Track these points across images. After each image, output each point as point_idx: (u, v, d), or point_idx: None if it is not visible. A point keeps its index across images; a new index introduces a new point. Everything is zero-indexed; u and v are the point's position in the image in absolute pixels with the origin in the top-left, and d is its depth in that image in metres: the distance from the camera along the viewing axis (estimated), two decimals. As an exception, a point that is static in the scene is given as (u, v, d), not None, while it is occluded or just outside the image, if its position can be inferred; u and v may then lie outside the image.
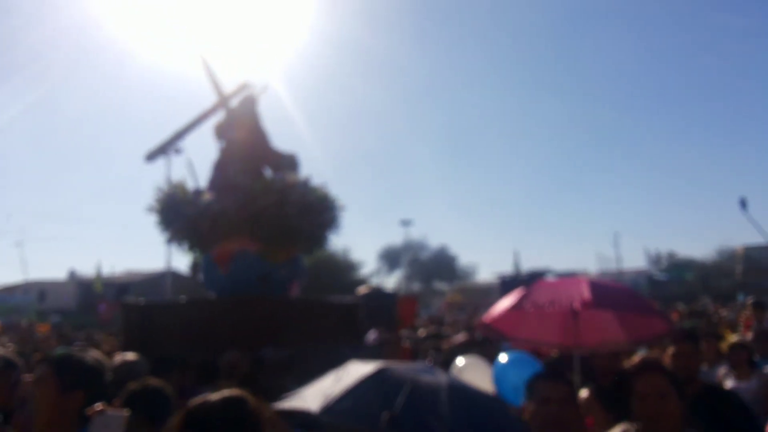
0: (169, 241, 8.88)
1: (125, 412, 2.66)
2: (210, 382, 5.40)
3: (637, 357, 5.23)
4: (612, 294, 4.17)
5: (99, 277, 39.63)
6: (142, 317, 8.29)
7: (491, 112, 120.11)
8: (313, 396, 2.56)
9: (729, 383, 5.52)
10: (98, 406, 2.63)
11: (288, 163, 9.14)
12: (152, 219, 8.59)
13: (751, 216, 16.54)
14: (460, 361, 4.73)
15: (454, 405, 2.54)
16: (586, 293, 3.85)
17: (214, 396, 1.88)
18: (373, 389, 2.48)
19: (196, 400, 1.89)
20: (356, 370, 2.65)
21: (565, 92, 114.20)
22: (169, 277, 33.59)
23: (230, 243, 8.33)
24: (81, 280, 48.70)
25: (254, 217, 8.08)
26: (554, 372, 3.18)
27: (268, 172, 9.11)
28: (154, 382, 3.98)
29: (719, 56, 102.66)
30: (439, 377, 2.80)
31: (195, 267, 9.33)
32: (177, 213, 8.44)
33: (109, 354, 6.83)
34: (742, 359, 5.77)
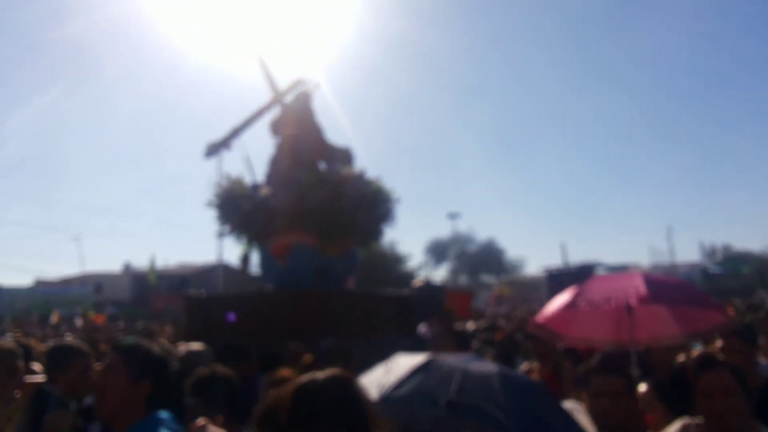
0: (227, 234, 9.08)
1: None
2: (272, 371, 5.52)
3: (696, 351, 5.14)
4: (667, 288, 4.06)
5: (153, 270, 40.58)
6: (203, 309, 8.52)
7: (540, 103, 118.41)
8: (366, 386, 2.58)
9: None
10: (200, 421, 2.71)
11: (342, 156, 9.24)
12: (204, 213, 8.79)
13: None
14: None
15: (507, 391, 2.56)
16: (641, 288, 3.77)
17: (322, 374, 1.92)
18: (426, 378, 2.52)
19: (305, 377, 1.93)
20: (405, 362, 2.69)
21: (617, 81, 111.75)
22: (220, 269, 34.19)
23: (287, 236, 8.48)
24: (135, 273, 49.96)
25: (310, 211, 8.20)
26: (607, 365, 3.11)
27: (323, 166, 9.23)
28: (221, 369, 4.10)
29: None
30: (489, 366, 2.82)
31: (245, 260, 9.51)
32: (235, 207, 8.63)
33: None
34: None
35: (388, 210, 8.85)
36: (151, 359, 2.84)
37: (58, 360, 3.96)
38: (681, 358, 5.47)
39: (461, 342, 6.25)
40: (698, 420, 2.94)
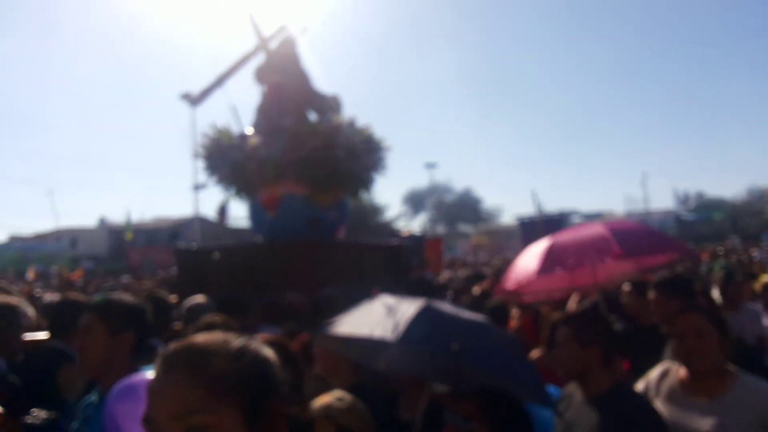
0: (214, 185, 8.90)
1: None
2: (273, 322, 5.49)
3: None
4: (635, 238, 4.01)
5: (129, 225, 40.19)
6: (195, 262, 8.41)
7: (517, 52, 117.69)
8: (368, 327, 2.60)
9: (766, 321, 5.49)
10: None
11: (332, 105, 9.05)
12: (179, 165, 8.60)
13: None
14: None
15: (498, 341, 2.66)
16: (614, 245, 3.72)
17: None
18: (430, 322, 2.52)
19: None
20: (403, 305, 2.68)
21: (592, 30, 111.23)
22: (197, 222, 34.03)
23: (278, 187, 8.34)
24: (111, 227, 49.48)
25: (302, 161, 8.05)
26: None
27: (311, 115, 9.04)
28: (219, 318, 4.07)
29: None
30: (476, 316, 2.89)
31: (222, 212, 9.38)
32: (224, 158, 8.44)
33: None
34: (735, 291, 5.72)
35: (379, 159, 8.73)
36: (127, 310, 2.84)
37: (66, 316, 3.87)
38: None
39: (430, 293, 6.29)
40: (678, 363, 3.00)
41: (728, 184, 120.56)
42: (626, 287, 4.76)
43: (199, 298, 5.37)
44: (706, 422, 2.74)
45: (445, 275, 13.95)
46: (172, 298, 7.64)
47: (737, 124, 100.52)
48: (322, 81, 9.36)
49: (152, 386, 1.23)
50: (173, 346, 1.27)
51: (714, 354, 2.84)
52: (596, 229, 4.10)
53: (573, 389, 3.01)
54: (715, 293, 7.15)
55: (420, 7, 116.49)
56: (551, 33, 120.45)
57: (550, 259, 3.97)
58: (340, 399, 2.64)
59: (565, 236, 4.27)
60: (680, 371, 2.98)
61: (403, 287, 8.35)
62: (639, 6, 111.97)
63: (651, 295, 4.17)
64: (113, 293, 3.19)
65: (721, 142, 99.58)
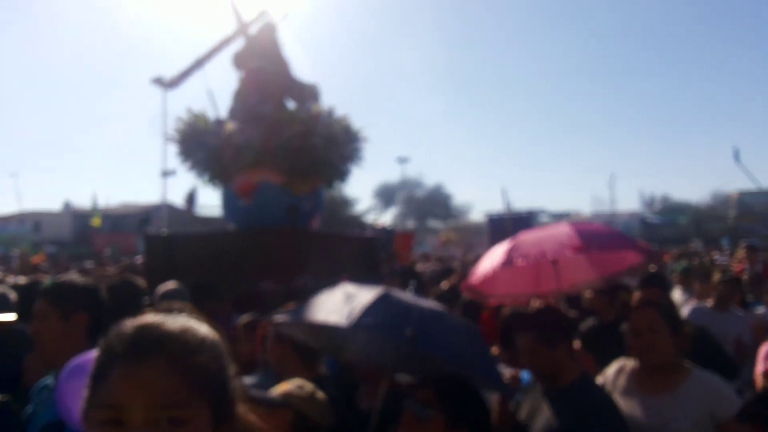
0: (187, 171, 8.74)
1: None
2: (245, 311, 5.42)
3: (637, 294, 5.33)
4: (596, 235, 4.14)
5: (97, 211, 39.49)
6: (165, 248, 8.25)
7: (488, 48, 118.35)
8: (325, 313, 2.64)
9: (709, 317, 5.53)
10: None
11: (310, 93, 8.94)
12: (147, 151, 8.44)
13: (744, 166, 16.77)
14: None
15: (454, 329, 2.73)
16: (575, 239, 3.82)
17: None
18: (387, 310, 2.56)
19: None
20: (362, 292, 2.72)
21: (563, 29, 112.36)
22: (164, 209, 33.60)
23: (253, 174, 8.21)
24: (76, 211, 48.61)
25: (279, 148, 7.93)
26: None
27: (289, 102, 8.93)
28: (179, 305, 3.97)
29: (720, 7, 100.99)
30: (434, 304, 2.95)
31: (190, 199, 9.25)
32: (199, 143, 8.28)
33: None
34: (730, 293, 5.83)
35: (356, 149, 8.67)
36: (78, 291, 2.81)
37: (33, 300, 3.76)
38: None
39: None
40: (633, 360, 3.09)
41: (693, 189, 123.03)
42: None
43: (171, 284, 5.27)
44: (660, 416, 2.81)
45: (433, 265, 14.02)
46: (141, 283, 7.50)
47: (703, 130, 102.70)
48: (300, 70, 9.24)
49: (120, 371, 1.11)
50: (140, 326, 1.17)
51: (667, 349, 2.91)
52: (560, 227, 4.22)
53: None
54: (676, 293, 7.27)
55: (396, 0, 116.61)
56: (524, 32, 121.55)
57: (513, 253, 4.05)
58: (300, 387, 2.64)
59: (529, 234, 4.36)
60: (635, 366, 3.05)
61: (379, 277, 8.39)
62: (610, 7, 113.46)
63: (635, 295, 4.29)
64: (64, 276, 3.14)
65: (688, 147, 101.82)
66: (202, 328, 1.23)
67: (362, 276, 8.19)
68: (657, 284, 4.52)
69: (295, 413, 2.54)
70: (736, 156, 46.74)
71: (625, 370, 3.10)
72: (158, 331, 1.16)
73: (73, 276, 3.08)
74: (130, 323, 1.19)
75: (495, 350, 4.42)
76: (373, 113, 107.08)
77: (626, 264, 4.22)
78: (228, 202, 8.75)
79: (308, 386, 2.68)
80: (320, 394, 2.68)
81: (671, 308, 3.22)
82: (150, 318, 1.20)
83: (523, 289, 4.45)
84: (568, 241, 3.84)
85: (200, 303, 4.46)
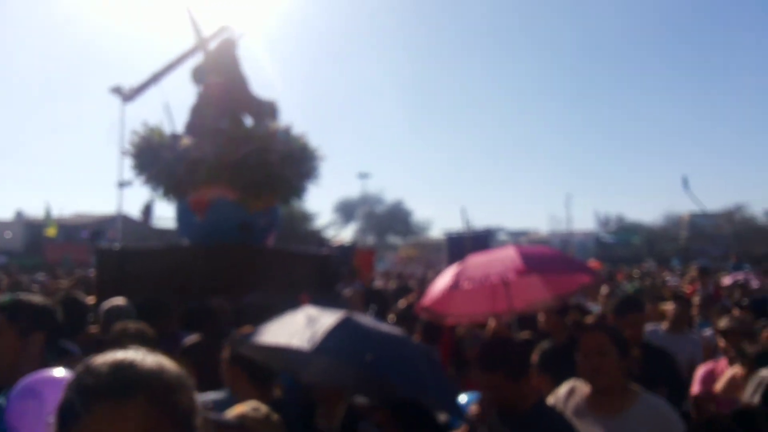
0: (143, 185, 8.67)
1: None
2: (194, 328, 5.38)
3: (591, 318, 5.46)
4: (538, 258, 4.27)
5: (51, 220, 38.44)
6: (117, 262, 8.14)
7: (452, 68, 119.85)
8: (287, 336, 2.66)
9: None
10: None
11: (268, 110, 8.96)
12: (103, 161, 8.37)
13: (692, 192, 17.34)
14: None
15: (413, 353, 2.78)
16: (518, 262, 3.94)
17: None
18: (348, 334, 2.60)
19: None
20: (324, 316, 2.76)
21: (526, 53, 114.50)
22: (119, 221, 32.93)
23: (208, 190, 8.18)
24: (28, 221, 47.31)
25: (235, 165, 7.93)
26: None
27: (247, 119, 8.93)
28: (133, 325, 3.99)
29: (674, 35, 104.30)
30: (394, 328, 3.05)
31: (147, 211, 9.17)
32: (154, 157, 8.22)
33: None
34: (683, 316, 5.97)
35: (312, 167, 8.70)
36: (36, 310, 2.79)
37: None
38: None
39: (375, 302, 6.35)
40: (583, 381, 3.16)
41: (647, 209, 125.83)
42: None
43: (117, 301, 5.21)
44: None
45: (377, 285, 14.04)
46: (90, 300, 7.37)
47: (657, 152, 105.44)
48: (263, 85, 9.27)
49: (100, 409, 1.08)
50: (116, 364, 1.14)
51: (615, 372, 2.99)
52: (506, 250, 4.33)
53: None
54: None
55: (357, 16, 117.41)
56: (486, 52, 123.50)
57: (460, 276, 4.15)
58: (255, 409, 2.64)
59: (477, 257, 4.45)
60: (585, 388, 3.12)
61: (334, 295, 8.38)
62: (570, 30, 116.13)
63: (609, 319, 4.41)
64: (22, 293, 3.11)
65: (642, 169, 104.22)
66: (174, 365, 1.20)
67: (317, 293, 8.23)
68: (636, 310, 4.54)
69: None
70: (685, 183, 48.25)
71: (575, 391, 3.17)
72: (137, 369, 1.14)
73: (31, 295, 3.04)
74: (102, 360, 1.15)
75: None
76: (335, 128, 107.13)
77: (577, 284, 4.35)
78: (182, 217, 8.70)
79: (263, 408, 2.67)
80: (275, 416, 2.67)
81: (620, 332, 3.30)
82: (123, 355, 1.17)
83: (477, 309, 4.51)
84: (512, 265, 3.95)
85: (148, 320, 4.45)
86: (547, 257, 4.47)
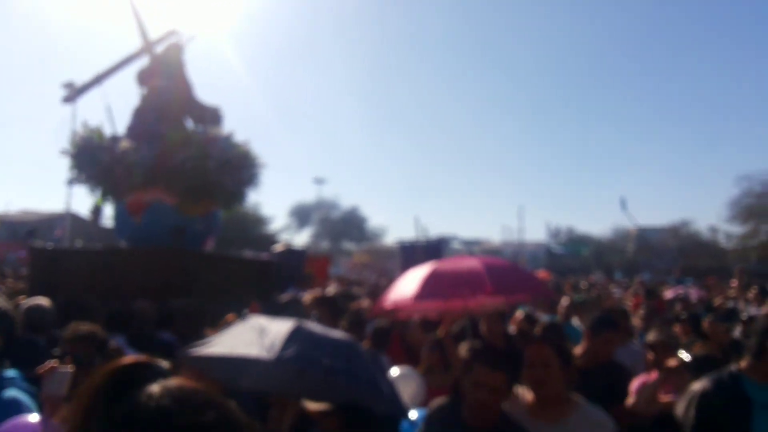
0: (79, 184, 8.65)
1: (71, 368, 2.73)
2: (117, 330, 5.42)
3: (539, 327, 5.64)
4: (504, 276, 4.38)
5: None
6: (50, 262, 8.11)
7: (409, 76, 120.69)
8: (243, 346, 2.69)
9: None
10: (49, 363, 2.68)
11: (211, 116, 9.03)
12: (52, 158, 8.34)
13: (630, 213, 17.87)
14: (394, 370, 4.86)
15: (360, 357, 2.83)
16: (486, 283, 4.05)
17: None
18: (302, 341, 2.66)
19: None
20: (275, 325, 2.81)
21: (480, 66, 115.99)
22: (68, 219, 32.20)
23: (145, 193, 8.22)
24: (-28, 216, 45.91)
25: (172, 169, 7.99)
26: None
27: (190, 124, 8.99)
28: (86, 327, 4.01)
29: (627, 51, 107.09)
30: (341, 333, 3.11)
31: (96, 211, 9.13)
32: (92, 158, 8.22)
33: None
34: (622, 327, 6.20)
35: (253, 175, 8.78)
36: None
37: None
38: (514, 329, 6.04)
39: (335, 311, 6.45)
40: (526, 388, 3.28)
41: (596, 222, 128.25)
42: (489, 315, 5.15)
43: (39, 300, 5.21)
44: None
45: (330, 291, 14.03)
46: (21, 299, 7.33)
47: (607, 167, 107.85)
48: (217, 87, 9.32)
49: None
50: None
51: (557, 383, 3.15)
52: (473, 264, 4.40)
53: (442, 406, 3.21)
54: (575, 322, 7.66)
55: (318, 22, 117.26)
56: (441, 61, 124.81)
57: (429, 287, 4.20)
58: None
59: (445, 266, 4.52)
60: (528, 396, 3.26)
61: (269, 304, 8.41)
62: (523, 44, 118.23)
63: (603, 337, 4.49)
64: None
65: (593, 183, 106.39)
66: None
67: (255, 299, 8.30)
68: (611, 328, 4.55)
69: None
70: (623, 204, 49.84)
71: (519, 398, 3.28)
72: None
73: None
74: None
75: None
76: (293, 132, 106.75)
77: (530, 295, 4.64)
78: (119, 218, 8.70)
79: None
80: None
81: (563, 344, 3.46)
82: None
83: (431, 305, 4.57)
84: (480, 285, 4.07)
85: (70, 321, 4.49)
86: (511, 274, 4.61)
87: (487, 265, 4.33)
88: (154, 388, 0.99)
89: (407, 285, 4.42)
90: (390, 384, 2.93)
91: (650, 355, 4.83)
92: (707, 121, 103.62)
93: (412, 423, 3.36)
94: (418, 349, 5.54)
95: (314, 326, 3.01)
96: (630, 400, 4.55)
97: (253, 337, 2.73)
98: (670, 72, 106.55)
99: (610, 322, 4.70)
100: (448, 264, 4.65)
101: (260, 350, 2.58)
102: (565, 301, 8.63)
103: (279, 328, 2.75)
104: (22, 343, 4.75)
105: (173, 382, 1.03)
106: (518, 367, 3.26)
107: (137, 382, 1.02)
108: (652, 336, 4.88)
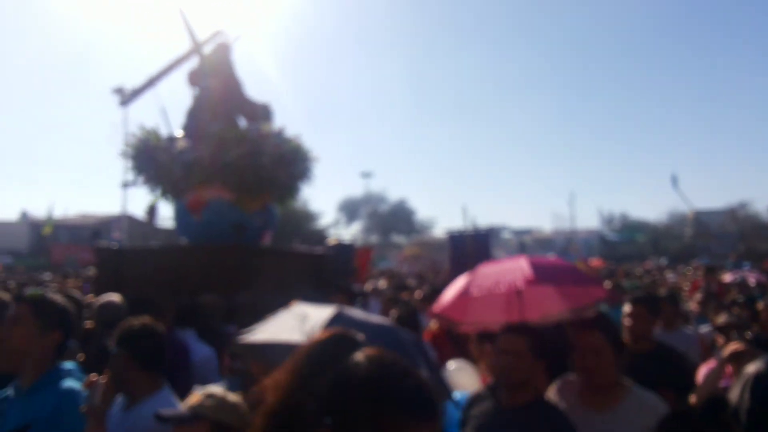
0: (139, 186, 8.88)
1: (102, 379, 2.77)
2: (186, 324, 5.56)
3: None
4: (550, 269, 4.29)
5: (50, 220, 38.76)
6: (115, 261, 8.36)
7: (454, 67, 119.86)
8: (287, 333, 2.76)
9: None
10: (94, 376, 2.75)
11: (262, 112, 9.16)
12: (108, 161, 8.57)
13: (681, 191, 17.28)
14: (450, 364, 4.85)
15: (402, 342, 2.87)
16: (527, 271, 3.96)
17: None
18: (343, 325, 2.60)
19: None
20: (316, 311, 2.89)
21: (527, 51, 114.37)
22: (124, 220, 33.18)
23: (204, 190, 8.39)
24: (33, 221, 47.65)
25: (229, 166, 8.14)
26: (515, 327, 3.36)
27: (241, 121, 9.14)
28: (147, 320, 4.10)
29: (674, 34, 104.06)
30: (382, 319, 3.20)
31: (151, 212, 9.36)
32: (150, 159, 8.44)
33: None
34: (673, 312, 6.06)
35: (306, 168, 8.89)
36: (59, 310, 2.91)
37: None
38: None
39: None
40: (577, 376, 3.24)
41: (651, 207, 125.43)
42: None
43: (111, 297, 5.40)
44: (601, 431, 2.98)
45: (382, 285, 14.15)
46: (89, 297, 7.59)
47: (661, 150, 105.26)
48: (266, 86, 9.47)
49: None
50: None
51: (610, 369, 3.09)
52: (518, 260, 4.32)
53: (484, 395, 3.22)
54: (626, 308, 7.50)
55: (358, 16, 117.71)
56: (487, 51, 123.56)
57: (471, 284, 4.18)
58: (209, 396, 2.65)
59: (488, 266, 4.47)
60: (579, 384, 3.22)
61: (325, 295, 8.52)
62: (570, 27, 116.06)
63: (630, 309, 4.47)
64: (46, 291, 3.20)
65: (646, 167, 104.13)
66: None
67: (311, 292, 8.39)
68: (639, 302, 4.56)
69: (212, 423, 2.56)
70: (674, 182, 48.26)
71: (569, 387, 3.27)
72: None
73: (54, 294, 3.15)
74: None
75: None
76: (338, 128, 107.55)
77: (593, 298, 4.39)
78: (180, 217, 8.90)
79: (218, 393, 2.69)
80: (232, 397, 2.68)
81: (615, 330, 3.36)
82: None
83: (490, 317, 4.55)
84: (521, 274, 3.98)
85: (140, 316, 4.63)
86: (558, 268, 4.48)
87: (532, 258, 4.27)
88: (360, 356, 1.20)
89: (453, 287, 4.36)
90: (435, 369, 2.96)
91: (720, 339, 4.70)
92: (760, 98, 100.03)
93: (458, 406, 3.35)
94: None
95: (355, 312, 3.09)
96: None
97: (295, 323, 2.81)
98: (726, 45, 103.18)
99: (642, 298, 4.68)
100: (492, 265, 4.56)
101: (301, 336, 2.64)
102: (606, 285, 8.47)
103: (320, 314, 2.84)
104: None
105: (373, 352, 1.26)
106: (565, 352, 3.27)
107: (341, 351, 1.21)
108: (721, 319, 4.75)
